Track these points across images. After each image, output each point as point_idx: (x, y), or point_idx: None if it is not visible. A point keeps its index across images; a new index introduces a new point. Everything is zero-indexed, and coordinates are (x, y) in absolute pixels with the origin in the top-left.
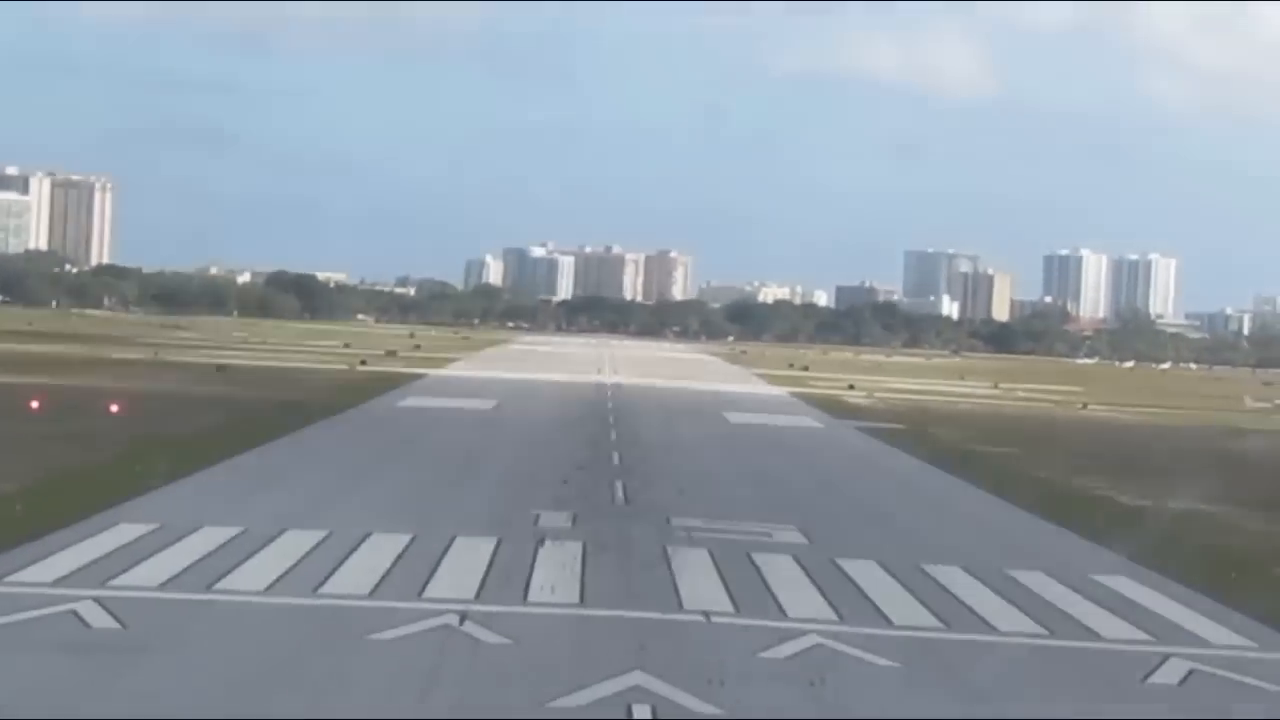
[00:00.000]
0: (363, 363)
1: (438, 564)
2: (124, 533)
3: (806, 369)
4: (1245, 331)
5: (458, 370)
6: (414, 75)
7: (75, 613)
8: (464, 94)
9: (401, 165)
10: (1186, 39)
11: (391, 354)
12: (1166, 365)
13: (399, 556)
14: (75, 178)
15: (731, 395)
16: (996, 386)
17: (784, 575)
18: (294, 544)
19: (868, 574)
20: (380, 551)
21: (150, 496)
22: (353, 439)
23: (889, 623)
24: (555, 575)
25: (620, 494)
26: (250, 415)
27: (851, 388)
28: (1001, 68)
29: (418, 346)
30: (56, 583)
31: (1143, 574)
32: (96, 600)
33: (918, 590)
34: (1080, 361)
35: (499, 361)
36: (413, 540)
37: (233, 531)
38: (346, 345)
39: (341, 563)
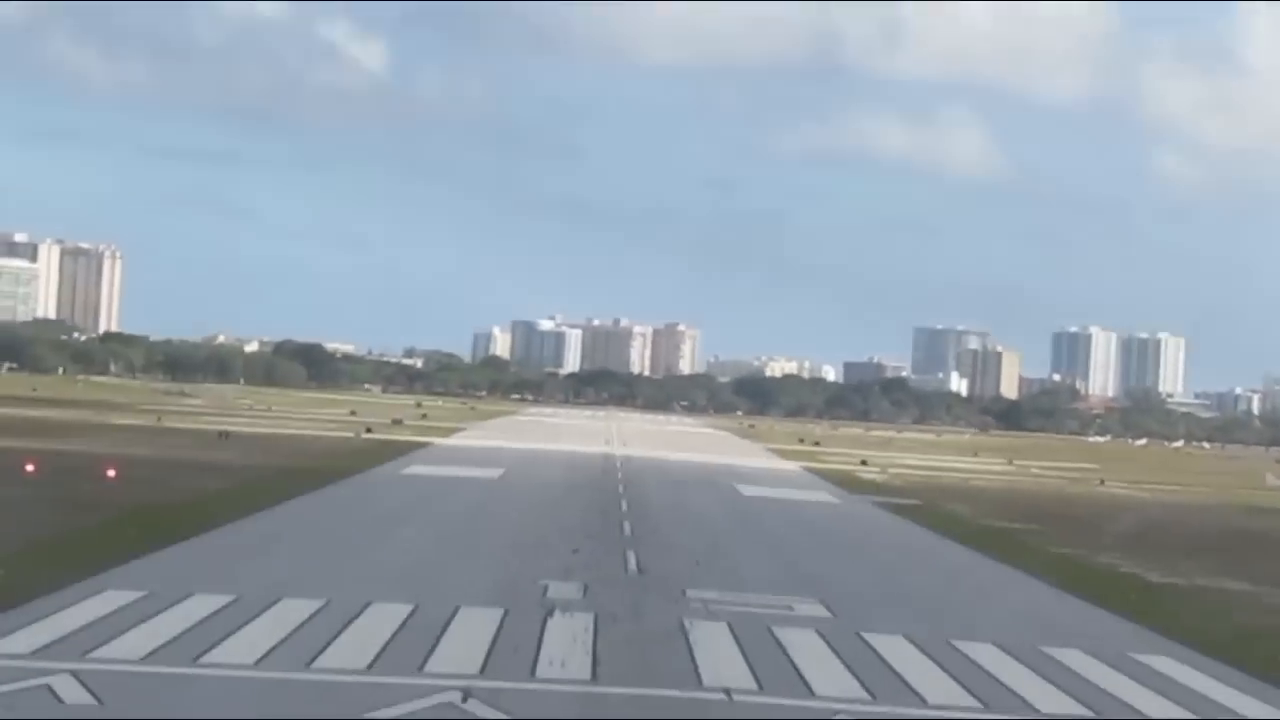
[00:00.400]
0: (368, 430)
1: (440, 636)
2: (110, 600)
3: (818, 444)
4: (1255, 411)
5: (464, 439)
6: (422, 148)
7: (49, 687)
8: (472, 167)
9: (409, 238)
10: (1196, 118)
11: (398, 422)
12: (1179, 444)
13: (399, 628)
14: (84, 246)
15: (744, 469)
16: (1011, 463)
17: (809, 650)
18: (288, 613)
19: (896, 650)
20: (380, 622)
21: (141, 562)
22: (355, 506)
23: (923, 702)
24: (565, 649)
25: (633, 564)
26: (250, 481)
27: (864, 463)
28: (1010, 146)
29: (424, 415)
30: (33, 654)
31: (1183, 653)
32: (74, 674)
33: (951, 667)
34: (1092, 439)
35: (506, 431)
36: (414, 610)
37: (224, 600)
38: (352, 413)
39: (338, 634)
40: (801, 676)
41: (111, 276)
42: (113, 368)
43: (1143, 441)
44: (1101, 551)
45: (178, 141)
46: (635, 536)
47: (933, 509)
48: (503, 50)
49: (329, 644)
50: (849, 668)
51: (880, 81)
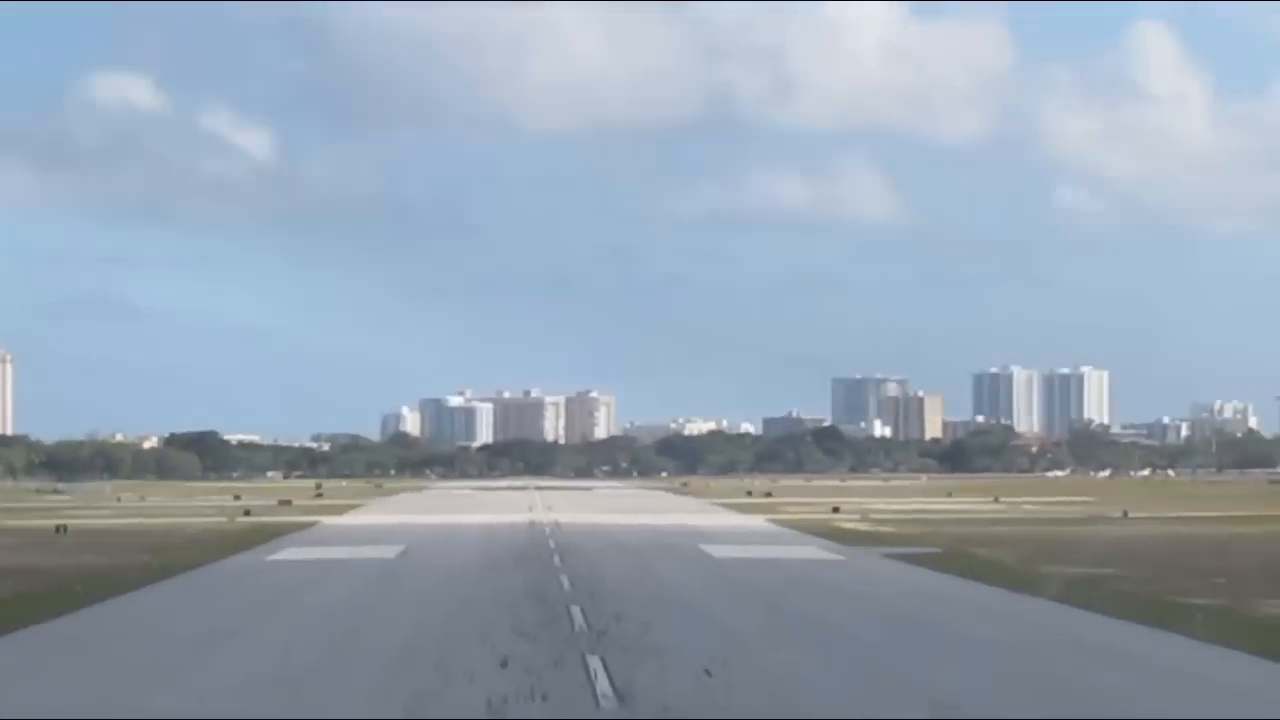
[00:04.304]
0: (246, 513)
1: None
2: None
3: (770, 495)
4: (1183, 438)
5: (360, 517)
6: (312, 236)
7: None
8: (365, 252)
9: (308, 325)
10: (1096, 149)
11: (285, 503)
12: (1146, 472)
13: None
14: None
15: (700, 527)
16: (997, 500)
17: None
18: None
19: None
20: None
21: None
22: (175, 613)
23: None
24: None
25: (605, 683)
26: (46, 587)
27: (837, 510)
28: (912, 193)
29: (320, 495)
30: None
31: None
32: None
33: None
34: (1050, 474)
35: (411, 506)
36: None
37: None
38: (236, 498)
39: None
40: None
41: (2, 384)
42: None
43: (1106, 473)
44: (1243, 598)
45: (64, 245)
46: (595, 631)
47: (966, 558)
48: (387, 129)
49: None
50: None
51: (775, 135)
